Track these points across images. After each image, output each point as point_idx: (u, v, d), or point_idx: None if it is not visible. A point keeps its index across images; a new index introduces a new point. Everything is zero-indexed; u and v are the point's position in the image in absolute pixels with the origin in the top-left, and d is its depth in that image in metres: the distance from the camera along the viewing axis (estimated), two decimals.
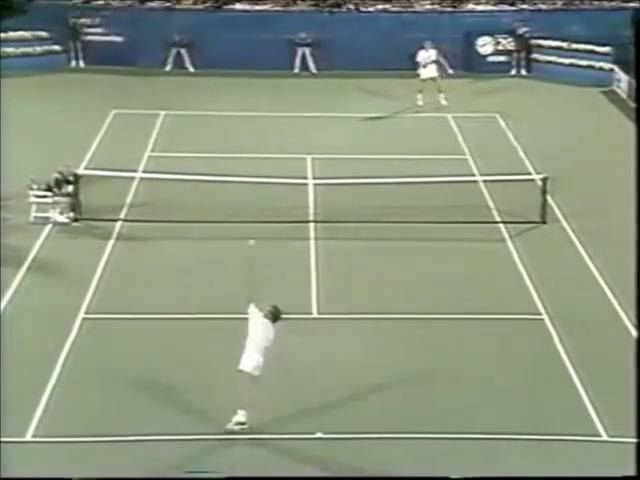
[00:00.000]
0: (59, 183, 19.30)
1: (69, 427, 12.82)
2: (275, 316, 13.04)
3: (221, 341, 15.01)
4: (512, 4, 31.61)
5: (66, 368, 14.22)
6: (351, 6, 31.49)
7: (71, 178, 19.33)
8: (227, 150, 22.92)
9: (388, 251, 17.94)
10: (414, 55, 29.67)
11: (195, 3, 31.90)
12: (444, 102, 25.04)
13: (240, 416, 12.68)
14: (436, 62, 24.68)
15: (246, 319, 14.97)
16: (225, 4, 31.81)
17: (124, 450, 12.41)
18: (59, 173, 19.33)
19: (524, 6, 31.33)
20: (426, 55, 25.04)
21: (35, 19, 29.99)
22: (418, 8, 31.61)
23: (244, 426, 12.64)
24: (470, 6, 31.67)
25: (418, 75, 26.01)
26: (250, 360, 12.74)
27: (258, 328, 12.94)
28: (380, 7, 31.50)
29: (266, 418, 12.98)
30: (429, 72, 24.44)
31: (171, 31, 30.35)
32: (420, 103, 25.21)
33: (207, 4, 31.78)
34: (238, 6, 31.67)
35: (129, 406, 13.33)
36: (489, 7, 31.49)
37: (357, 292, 16.56)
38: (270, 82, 28.82)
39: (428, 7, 31.53)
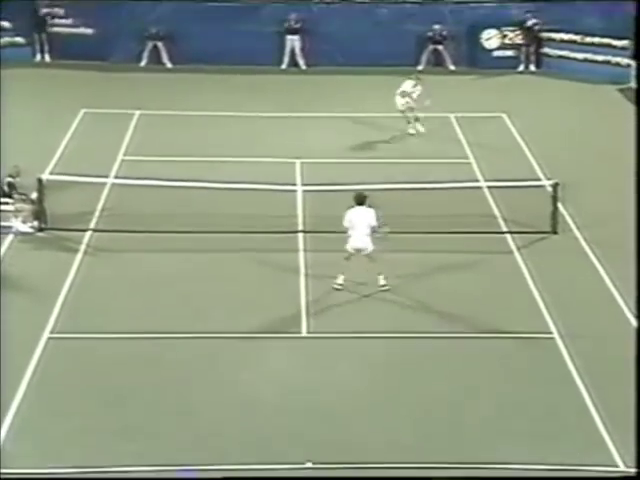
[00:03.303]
0: (13, 187, 19.28)
1: (30, 456, 12.79)
2: (359, 201, 16.67)
3: (199, 361, 15.08)
4: None
5: (30, 391, 14.18)
6: None
7: (18, 180, 19.25)
8: (208, 154, 23.00)
9: (385, 263, 17.95)
10: (415, 50, 30.07)
11: None
12: (422, 129, 24.40)
13: (382, 280, 16.79)
14: (419, 95, 23.77)
15: (230, 337, 15.17)
16: None
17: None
18: (9, 176, 19.32)
19: None
20: (410, 88, 24.02)
21: None
22: None
23: (388, 287, 16.78)
24: None
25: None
26: (362, 241, 16.62)
27: (353, 216, 16.62)
28: None
29: (249, 440, 13.02)
30: (409, 103, 23.63)
31: (147, 23, 30.44)
32: (412, 132, 24.46)
33: None
34: None
35: (97, 435, 13.29)
36: None
37: (351, 309, 16.61)
38: (256, 79, 28.98)
39: None
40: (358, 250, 16.71)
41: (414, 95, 23.94)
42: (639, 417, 10.81)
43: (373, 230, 16.66)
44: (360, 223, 16.63)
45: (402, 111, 24.25)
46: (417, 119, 24.34)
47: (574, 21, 30.25)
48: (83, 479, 12.35)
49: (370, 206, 16.71)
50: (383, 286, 16.86)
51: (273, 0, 31.78)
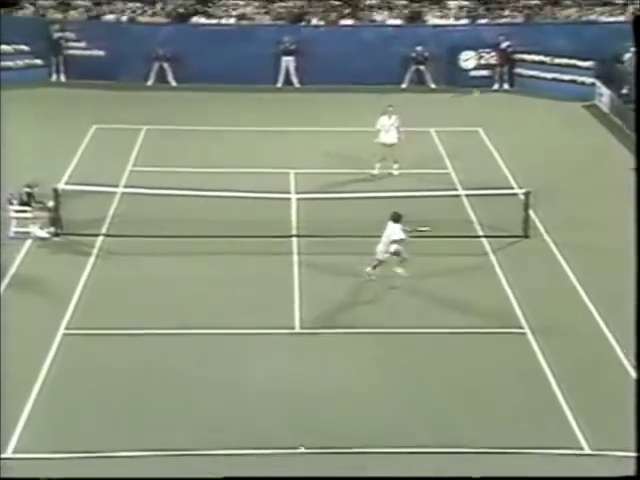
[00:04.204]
0: (32, 197, 19.28)
1: (49, 443, 12.79)
2: (395, 218, 17.10)
3: (202, 354, 15.07)
4: (472, 19, 31.85)
5: (47, 384, 14.18)
6: (317, 21, 31.67)
7: (36, 190, 19.24)
8: (210, 165, 22.98)
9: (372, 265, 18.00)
10: (399, 70, 30.14)
11: (153, 16, 32.00)
12: (395, 172, 22.61)
13: (402, 271, 17.14)
14: (397, 129, 22.59)
15: (229, 333, 15.18)
16: (186, 18, 31.94)
17: (104, 465, 12.39)
18: (28, 187, 19.31)
19: (502, 20, 31.63)
20: (388, 122, 22.63)
21: (16, 33, 30.11)
22: (377, 18, 31.85)
23: (407, 275, 17.15)
24: (430, 20, 31.88)
25: (379, 134, 22.89)
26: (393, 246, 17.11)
27: (388, 230, 17.17)
28: (346, 22, 31.72)
29: (248, 432, 13.02)
30: (390, 138, 22.40)
31: (153, 45, 30.40)
32: (376, 172, 22.55)
33: (169, 18, 31.99)
34: (203, 19, 31.86)
35: (110, 422, 13.31)
36: (461, 22, 31.75)
37: (340, 306, 16.60)
38: (253, 96, 28.94)
39: (390, 21, 31.77)
40: (396, 252, 17.29)
41: (396, 124, 22.68)
42: (639, 417, 10.51)
43: (393, 242, 17.10)
44: (387, 236, 17.15)
45: (388, 144, 22.66)
46: (396, 160, 22.72)
47: (543, 44, 30.34)
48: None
49: (397, 222, 17.16)
50: (401, 274, 17.34)
51: (269, 24, 31.91)
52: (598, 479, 11.73)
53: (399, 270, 17.31)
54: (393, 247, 17.16)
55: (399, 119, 22.61)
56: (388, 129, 22.51)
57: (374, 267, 17.28)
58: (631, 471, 10.65)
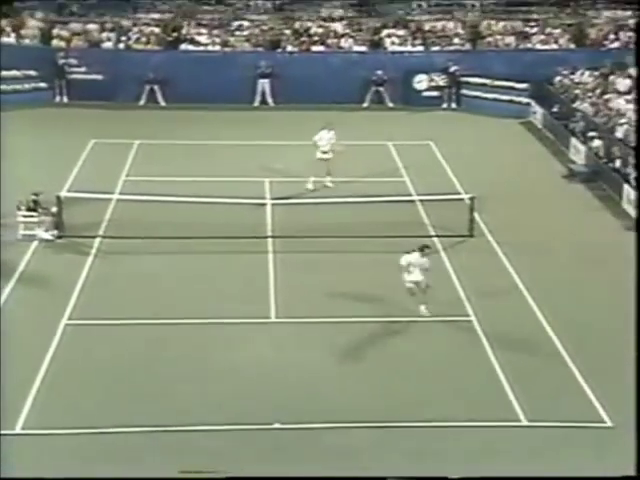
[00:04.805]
0: (37, 203, 19.10)
1: (54, 420, 12.63)
2: (420, 249, 15.63)
3: (190, 341, 14.95)
4: (423, 45, 31.88)
5: (52, 367, 14.04)
6: (291, 47, 31.59)
7: (41, 197, 19.04)
8: (195, 174, 22.81)
9: (338, 262, 17.94)
10: (361, 90, 30.12)
11: (147, 43, 31.82)
12: (329, 184, 21.77)
13: (424, 309, 15.60)
14: (333, 145, 21.57)
15: (214, 322, 15.05)
16: (177, 45, 31.74)
17: (106, 440, 12.26)
18: (34, 194, 19.12)
19: (451, 47, 31.65)
20: (327, 137, 21.90)
21: (24, 59, 29.87)
22: (344, 45, 31.80)
23: (429, 313, 15.59)
24: (389, 45, 31.84)
25: (321, 149, 22.16)
26: (417, 276, 15.55)
27: (412, 260, 15.56)
28: (316, 49, 31.64)
29: (228, 409, 12.92)
30: (327, 155, 21.75)
31: (145, 70, 30.20)
32: (310, 187, 21.66)
33: (160, 45, 31.77)
34: (190, 47, 31.65)
35: (107, 400, 13.19)
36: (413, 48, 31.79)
37: (310, 298, 16.51)
38: (233, 114, 28.77)
39: (354, 48, 31.69)
40: (416, 283, 15.61)
41: (334, 140, 21.92)
42: (639, 417, 10.32)
43: (426, 270, 15.62)
44: (417, 266, 15.56)
45: (324, 158, 21.97)
46: (329, 173, 21.94)
47: (486, 68, 30.36)
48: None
49: (425, 255, 15.65)
50: (424, 314, 15.68)
51: (247, 50, 31.78)
52: (598, 479, 11.23)
53: (423, 308, 15.72)
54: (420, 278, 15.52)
55: (336, 135, 22.15)
56: (325, 144, 21.98)
57: (412, 294, 15.69)
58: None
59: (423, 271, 15.53)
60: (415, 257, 15.54)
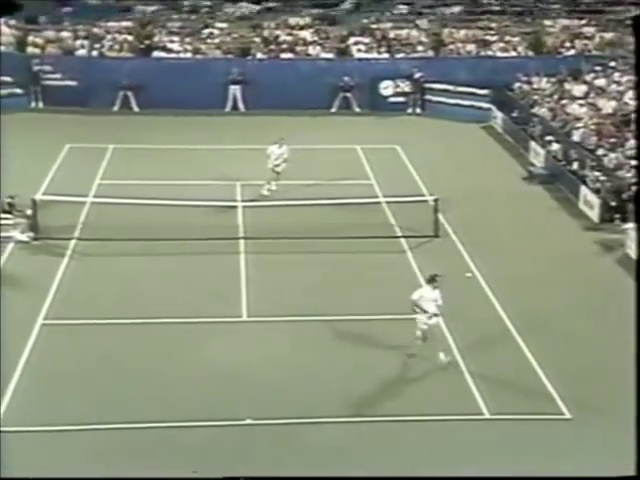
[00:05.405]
0: (13, 206, 18.86)
1: (30, 419, 12.45)
2: (429, 280, 14.06)
3: (163, 341, 14.81)
4: (389, 52, 31.94)
5: (27, 367, 13.86)
6: (261, 54, 31.51)
7: (17, 200, 18.79)
8: (167, 178, 22.61)
9: (308, 262, 17.89)
10: (329, 96, 30.09)
11: (121, 51, 31.57)
12: (265, 192, 21.41)
13: (442, 356, 13.92)
14: (285, 160, 21.31)
15: (187, 322, 14.93)
16: (149, 52, 31.51)
17: (80, 438, 12.11)
18: (10, 197, 18.89)
19: (415, 55, 31.71)
20: (278, 152, 21.53)
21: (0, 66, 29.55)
22: (312, 52, 31.76)
23: (449, 359, 13.96)
24: (356, 52, 31.82)
25: (275, 165, 21.74)
26: (431, 308, 13.84)
27: (422, 295, 13.96)
28: (285, 56, 31.58)
29: (202, 405, 12.81)
30: (277, 168, 21.45)
31: (119, 76, 29.92)
32: (265, 192, 21.46)
33: (133, 53, 31.50)
34: (163, 54, 31.45)
35: (82, 398, 13.02)
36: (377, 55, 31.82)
37: (281, 298, 16.44)
38: (205, 119, 28.60)
39: (322, 55, 31.66)
40: (429, 324, 14.05)
41: (285, 156, 21.54)
42: (639, 417, 10.36)
43: (439, 306, 13.99)
44: (430, 300, 13.96)
45: (275, 170, 21.57)
46: (269, 183, 21.59)
47: (449, 75, 30.44)
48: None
49: (436, 287, 14.04)
50: (443, 361, 14.01)
51: (219, 57, 31.61)
52: (598, 479, 10.93)
53: (442, 355, 14.06)
54: (434, 319, 13.94)
55: (288, 151, 21.71)
56: (277, 157, 21.58)
57: (423, 339, 14.02)
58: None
59: (436, 307, 13.84)
60: (427, 291, 14.01)
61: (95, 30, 32.27)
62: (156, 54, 31.61)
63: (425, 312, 13.88)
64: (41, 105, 30.18)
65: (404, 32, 32.81)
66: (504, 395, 13.25)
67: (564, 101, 26.81)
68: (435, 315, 13.95)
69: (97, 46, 31.62)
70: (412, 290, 16.62)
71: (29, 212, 18.95)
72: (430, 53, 32.14)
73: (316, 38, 32.59)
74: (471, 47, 32.18)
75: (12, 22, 31.92)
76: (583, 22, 33.19)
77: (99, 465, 11.49)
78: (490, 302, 16.39)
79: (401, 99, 30.89)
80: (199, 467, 11.39)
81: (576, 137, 24.09)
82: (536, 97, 27.86)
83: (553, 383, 13.58)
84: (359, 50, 32.12)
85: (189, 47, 31.95)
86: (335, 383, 13.66)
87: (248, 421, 12.50)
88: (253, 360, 14.24)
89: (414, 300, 14.01)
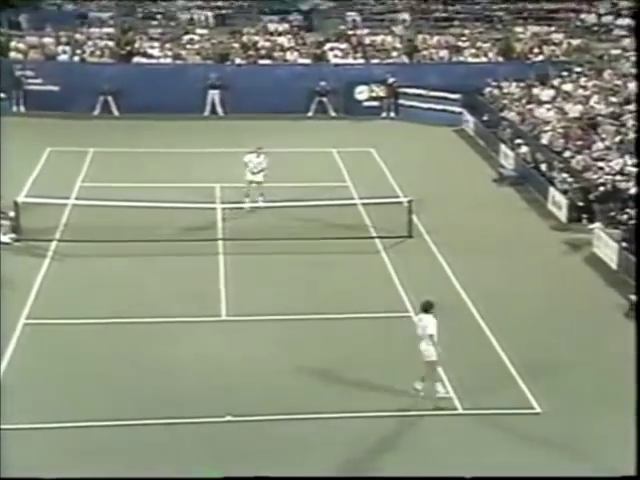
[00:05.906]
0: None
1: (11, 417, 12.26)
2: (424, 308, 12.81)
3: (143, 340, 14.69)
4: (364, 58, 31.98)
5: (11, 365, 13.70)
6: (239, 60, 31.42)
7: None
8: (147, 180, 22.41)
9: (285, 263, 17.85)
10: (305, 101, 30.07)
11: (101, 56, 31.38)
12: (262, 205, 20.39)
13: (441, 388, 12.83)
14: (264, 170, 20.55)
15: (167, 321, 14.84)
16: (130, 58, 31.30)
17: (63, 436, 11.97)
18: None
19: (389, 60, 31.74)
20: (257, 161, 20.71)
21: None
22: (289, 58, 31.73)
23: (448, 394, 12.83)
24: (332, 58, 31.81)
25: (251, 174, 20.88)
26: (428, 351, 12.68)
27: (419, 324, 12.86)
28: (263, 62, 31.51)
29: (182, 403, 12.72)
30: (257, 178, 20.44)
31: (100, 81, 29.71)
32: (247, 207, 20.46)
33: (114, 58, 31.29)
34: (143, 60, 31.27)
35: (63, 395, 12.89)
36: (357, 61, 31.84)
37: (259, 297, 16.37)
38: (184, 124, 28.47)
39: (299, 60, 31.62)
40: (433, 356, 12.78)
41: (264, 165, 20.71)
42: (639, 417, 10.14)
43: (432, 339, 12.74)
44: (423, 330, 12.77)
45: (251, 182, 20.70)
46: (262, 194, 20.68)
47: (421, 80, 30.51)
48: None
49: (435, 316, 12.85)
50: (440, 396, 12.85)
51: (197, 63, 31.47)
52: (598, 479, 10.68)
53: (419, 386, 12.83)
54: (430, 354, 12.62)
55: (267, 160, 21.09)
56: (255, 167, 20.90)
57: (423, 379, 12.84)
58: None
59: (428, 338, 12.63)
60: (430, 319, 12.73)
61: (77, 36, 32.08)
62: (136, 60, 31.44)
63: (428, 343, 12.66)
64: (23, 109, 29.93)
65: (379, 38, 32.85)
66: (475, 390, 13.23)
67: (532, 105, 26.97)
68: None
69: (78, 52, 31.45)
70: (386, 289, 16.72)
71: (11, 214, 18.77)
72: (404, 59, 32.20)
73: (293, 44, 32.56)
74: (444, 53, 32.28)
75: None
76: (552, 29, 33.42)
77: (74, 463, 11.35)
78: (462, 300, 16.41)
79: (375, 103, 30.89)
80: (179, 465, 11.30)
81: (544, 140, 24.24)
82: (505, 101, 28.01)
83: (523, 378, 13.62)
84: (335, 56, 32.12)
85: (169, 53, 31.80)
86: (314, 380, 13.60)
87: (228, 418, 12.42)
88: (232, 358, 14.16)
89: (433, 335, 12.67)
